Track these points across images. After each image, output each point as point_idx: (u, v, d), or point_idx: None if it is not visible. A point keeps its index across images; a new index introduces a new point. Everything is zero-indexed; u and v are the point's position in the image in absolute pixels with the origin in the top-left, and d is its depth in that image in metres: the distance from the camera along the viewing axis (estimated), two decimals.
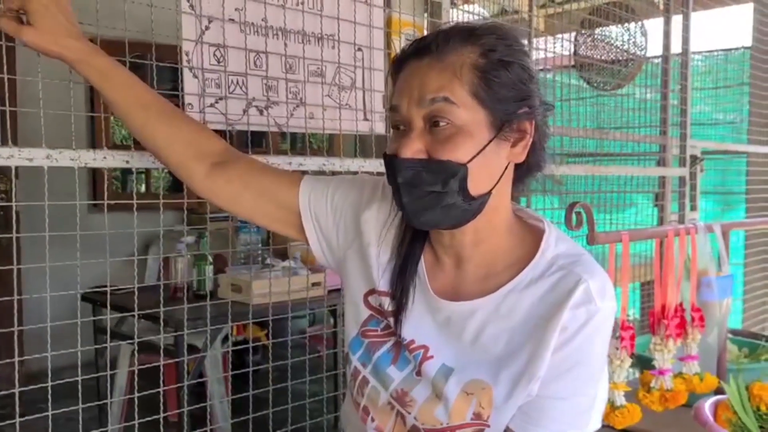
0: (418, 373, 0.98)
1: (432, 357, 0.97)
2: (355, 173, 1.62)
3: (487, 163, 0.90)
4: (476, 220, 0.94)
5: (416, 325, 0.99)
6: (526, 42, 1.00)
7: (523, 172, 0.99)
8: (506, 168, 0.94)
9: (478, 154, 0.89)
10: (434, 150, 0.89)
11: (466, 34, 0.91)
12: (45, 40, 0.99)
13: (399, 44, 1.86)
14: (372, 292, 1.04)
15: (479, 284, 0.97)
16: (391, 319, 1.01)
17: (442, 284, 1.00)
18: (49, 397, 1.22)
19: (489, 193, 0.92)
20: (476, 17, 2.85)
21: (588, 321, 0.90)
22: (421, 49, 0.92)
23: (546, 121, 0.97)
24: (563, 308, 0.90)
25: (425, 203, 0.90)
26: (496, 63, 0.89)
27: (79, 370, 1.30)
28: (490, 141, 0.90)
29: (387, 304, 1.01)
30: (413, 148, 0.89)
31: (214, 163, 1.11)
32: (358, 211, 1.06)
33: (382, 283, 1.02)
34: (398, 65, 0.95)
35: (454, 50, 0.89)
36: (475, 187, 0.90)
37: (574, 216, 1.38)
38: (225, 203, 1.12)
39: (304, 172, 1.56)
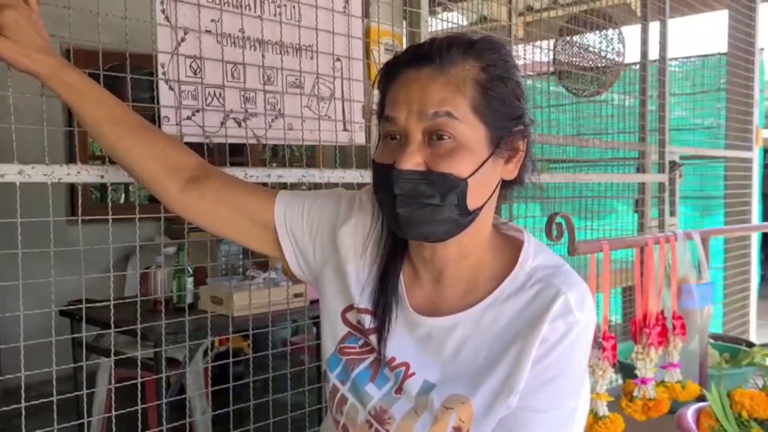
0: (398, 391, 0.97)
1: (413, 374, 0.96)
2: (336, 185, 1.61)
3: (484, 179, 0.90)
4: (462, 234, 0.93)
5: (396, 342, 0.98)
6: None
7: (507, 187, 0.99)
8: (498, 184, 0.95)
9: (477, 169, 0.88)
10: (434, 163, 0.87)
11: (467, 46, 0.90)
12: (16, 53, 0.97)
13: (378, 54, 1.86)
14: (350, 308, 1.03)
15: (459, 299, 0.97)
16: (372, 337, 0.99)
17: (421, 300, 0.99)
18: (23, 418, 1.20)
19: (481, 207, 0.92)
20: (455, 26, 2.85)
21: (567, 333, 0.90)
22: (420, 58, 0.89)
23: (532, 138, 0.97)
24: (543, 321, 0.89)
25: (422, 216, 0.89)
26: (495, 78, 0.89)
27: (54, 388, 1.28)
28: (488, 157, 0.89)
29: (368, 321, 1.00)
30: (414, 160, 0.87)
31: (188, 179, 1.09)
32: (335, 226, 1.05)
33: (362, 300, 1.01)
34: (391, 73, 0.92)
35: (456, 63, 0.88)
36: (472, 202, 0.90)
37: (554, 227, 1.38)
38: (199, 219, 1.10)
39: (283, 185, 1.55)
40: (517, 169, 0.95)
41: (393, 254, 1.01)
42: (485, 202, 0.93)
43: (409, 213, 0.88)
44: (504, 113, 0.90)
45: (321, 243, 1.07)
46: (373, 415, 0.97)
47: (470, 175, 0.88)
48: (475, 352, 0.93)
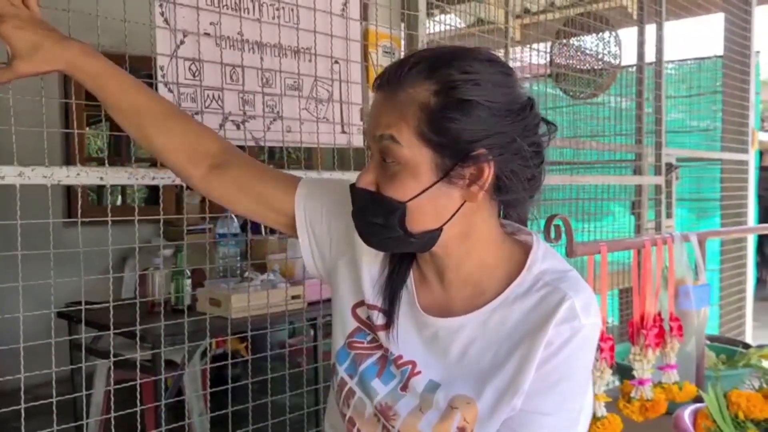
0: (403, 388, 0.98)
1: (420, 372, 0.97)
2: None
3: (431, 203, 0.90)
4: (446, 248, 0.95)
5: (404, 341, 0.99)
6: (505, 72, 0.94)
7: (505, 205, 0.97)
8: (462, 205, 0.91)
9: (418, 195, 0.89)
10: (381, 185, 0.91)
11: (426, 66, 0.88)
12: (35, 64, 0.97)
13: (376, 57, 1.86)
14: (361, 304, 1.04)
15: (466, 301, 0.97)
16: (381, 333, 1.00)
17: (429, 300, 1.00)
18: (23, 420, 1.20)
19: (439, 229, 0.92)
20: (451, 28, 2.86)
21: (572, 337, 0.90)
22: (381, 82, 0.91)
23: (524, 156, 0.90)
24: (548, 324, 0.90)
25: (371, 231, 0.94)
26: (451, 102, 0.86)
27: (54, 390, 1.28)
28: (434, 183, 0.88)
29: (376, 317, 1.01)
30: (366, 180, 0.92)
31: (211, 165, 1.11)
32: (351, 222, 1.06)
33: (372, 297, 1.02)
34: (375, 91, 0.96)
35: (408, 86, 0.88)
36: (415, 225, 0.90)
37: (553, 228, 1.38)
38: (223, 203, 1.14)
39: None
40: (480, 192, 0.90)
41: (403, 253, 1.02)
42: (443, 225, 0.91)
43: (362, 227, 0.96)
44: (459, 139, 0.86)
45: (338, 237, 1.08)
46: (379, 410, 0.99)
47: (410, 200, 0.89)
48: (481, 354, 0.94)
